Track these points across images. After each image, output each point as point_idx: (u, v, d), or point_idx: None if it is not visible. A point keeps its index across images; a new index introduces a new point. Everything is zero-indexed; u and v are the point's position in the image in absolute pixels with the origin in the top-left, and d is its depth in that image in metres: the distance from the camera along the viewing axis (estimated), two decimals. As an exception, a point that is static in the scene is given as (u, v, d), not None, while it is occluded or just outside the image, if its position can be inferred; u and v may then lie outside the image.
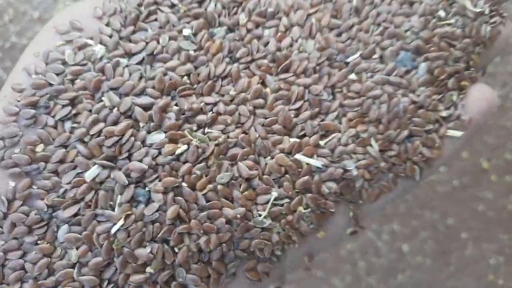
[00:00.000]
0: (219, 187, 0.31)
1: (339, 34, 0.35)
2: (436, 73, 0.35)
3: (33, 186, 0.31)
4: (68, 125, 0.31)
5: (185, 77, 0.32)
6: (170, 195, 0.30)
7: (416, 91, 0.35)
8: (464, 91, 0.37)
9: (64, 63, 0.32)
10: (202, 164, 0.31)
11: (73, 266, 0.30)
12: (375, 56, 0.35)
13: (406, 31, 0.36)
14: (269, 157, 0.32)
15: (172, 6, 0.35)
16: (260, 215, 0.31)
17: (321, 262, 0.80)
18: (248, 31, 0.34)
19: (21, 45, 0.85)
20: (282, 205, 0.32)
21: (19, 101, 0.31)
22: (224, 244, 0.31)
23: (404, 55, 0.35)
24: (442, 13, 0.37)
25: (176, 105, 0.32)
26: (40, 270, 0.30)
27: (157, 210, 0.30)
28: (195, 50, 0.33)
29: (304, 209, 0.32)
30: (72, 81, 0.32)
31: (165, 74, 0.32)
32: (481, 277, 0.78)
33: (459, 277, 0.78)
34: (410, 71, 0.35)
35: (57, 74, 0.32)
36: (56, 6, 0.84)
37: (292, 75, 0.33)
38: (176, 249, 0.31)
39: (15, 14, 0.84)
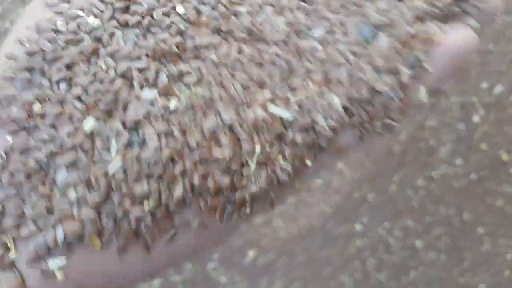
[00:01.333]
0: (206, 131, 0.35)
1: (307, 14, 0.39)
2: (400, 43, 0.35)
3: (31, 140, 0.33)
4: (63, 85, 0.34)
5: (174, 48, 0.36)
6: (164, 139, 0.34)
7: (377, 60, 0.36)
8: (433, 43, 0.34)
9: (57, 31, 0.34)
10: (191, 115, 0.35)
11: (71, 206, 0.33)
12: (338, 31, 0.37)
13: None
14: (248, 109, 0.36)
15: None
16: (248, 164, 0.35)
17: (328, 259, 0.77)
18: (227, 9, 0.39)
19: (4, 28, 0.79)
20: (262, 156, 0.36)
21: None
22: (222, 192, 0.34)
23: (365, 28, 0.37)
24: None
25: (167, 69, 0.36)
26: (39, 210, 0.33)
27: (152, 152, 0.33)
28: (185, 26, 0.37)
29: (282, 159, 0.36)
30: (66, 49, 0.34)
31: (157, 44, 0.36)
32: (497, 273, 0.75)
33: (474, 273, 0.75)
34: (373, 43, 0.36)
35: (50, 42, 0.34)
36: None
37: (265, 45, 0.38)
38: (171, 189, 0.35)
39: (-5, -4, 0.78)
